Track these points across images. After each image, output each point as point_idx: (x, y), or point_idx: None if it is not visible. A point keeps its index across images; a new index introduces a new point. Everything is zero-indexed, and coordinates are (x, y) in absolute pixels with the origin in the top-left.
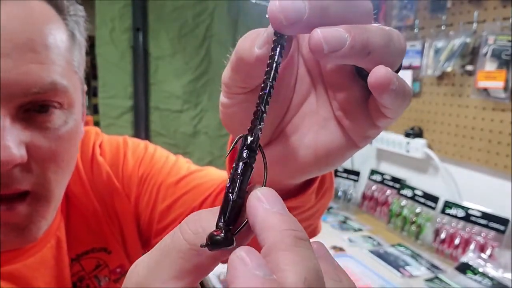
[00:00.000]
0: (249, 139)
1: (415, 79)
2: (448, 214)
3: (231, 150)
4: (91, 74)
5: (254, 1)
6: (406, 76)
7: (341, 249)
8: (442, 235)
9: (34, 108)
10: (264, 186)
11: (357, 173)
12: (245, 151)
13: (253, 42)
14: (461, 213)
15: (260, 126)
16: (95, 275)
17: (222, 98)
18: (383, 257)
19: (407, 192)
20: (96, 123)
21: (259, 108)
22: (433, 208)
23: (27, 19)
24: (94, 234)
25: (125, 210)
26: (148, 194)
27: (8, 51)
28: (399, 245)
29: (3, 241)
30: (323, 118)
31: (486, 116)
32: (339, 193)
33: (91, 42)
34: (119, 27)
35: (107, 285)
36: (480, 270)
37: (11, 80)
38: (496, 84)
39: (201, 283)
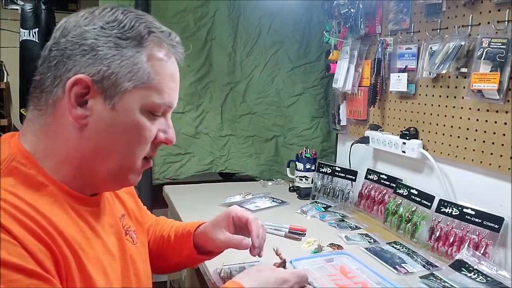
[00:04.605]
0: None
1: (410, 81)
2: (443, 213)
3: None
4: None
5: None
6: (402, 78)
7: (338, 247)
8: (437, 233)
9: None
10: None
11: (354, 173)
12: None
13: None
14: (455, 212)
15: None
16: (131, 230)
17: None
18: (380, 254)
19: (403, 191)
20: None
21: None
22: (429, 207)
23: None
24: (122, 205)
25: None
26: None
27: (176, 88)
28: (395, 243)
29: (138, 180)
30: None
31: (481, 117)
32: (337, 192)
33: None
34: None
35: (136, 240)
36: (475, 267)
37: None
38: (490, 86)
39: (202, 280)
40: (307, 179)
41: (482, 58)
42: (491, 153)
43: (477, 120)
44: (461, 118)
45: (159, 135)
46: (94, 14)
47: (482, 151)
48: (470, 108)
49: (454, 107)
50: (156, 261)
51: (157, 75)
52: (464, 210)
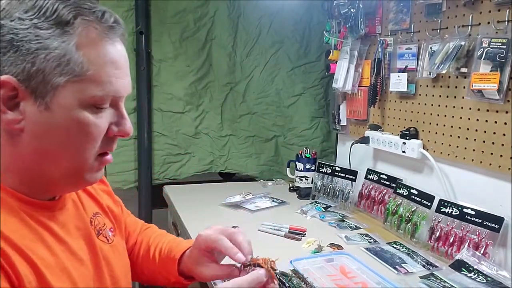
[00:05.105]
0: None
1: (410, 81)
2: (443, 213)
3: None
4: None
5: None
6: (402, 78)
7: (338, 247)
8: (437, 233)
9: None
10: None
11: (354, 173)
12: None
13: None
14: (455, 212)
15: None
16: (105, 229)
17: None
18: (380, 254)
19: (403, 191)
20: None
21: None
22: (429, 207)
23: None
24: (95, 203)
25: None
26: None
27: (123, 74)
28: (395, 243)
29: (99, 177)
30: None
31: (481, 117)
32: (337, 192)
33: None
34: None
35: (112, 238)
36: (475, 267)
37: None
38: (490, 86)
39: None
40: (307, 179)
41: (482, 58)
42: (491, 153)
43: (477, 120)
44: (461, 118)
45: (111, 128)
46: (12, 4)
47: (482, 151)
48: (470, 108)
49: (454, 107)
50: (142, 275)
51: (92, 64)
52: (464, 210)
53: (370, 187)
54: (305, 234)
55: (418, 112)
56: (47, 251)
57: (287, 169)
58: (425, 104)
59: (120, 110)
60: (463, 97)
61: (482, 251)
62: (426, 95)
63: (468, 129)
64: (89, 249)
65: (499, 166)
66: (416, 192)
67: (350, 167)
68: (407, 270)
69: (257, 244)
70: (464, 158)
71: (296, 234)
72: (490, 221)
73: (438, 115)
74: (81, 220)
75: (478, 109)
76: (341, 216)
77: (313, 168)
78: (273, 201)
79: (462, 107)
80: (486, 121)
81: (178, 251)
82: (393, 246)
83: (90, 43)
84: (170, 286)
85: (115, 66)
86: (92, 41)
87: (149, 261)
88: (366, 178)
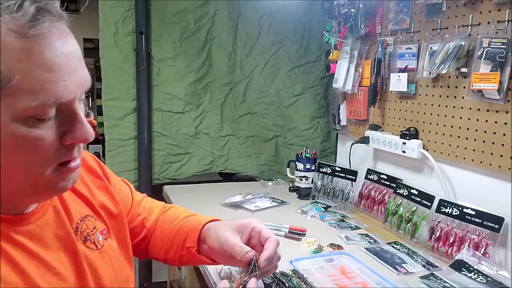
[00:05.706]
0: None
1: (410, 81)
2: (443, 213)
3: None
4: (95, 77)
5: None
6: (402, 78)
7: (338, 247)
8: (437, 233)
9: None
10: None
11: (354, 173)
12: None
13: None
14: (456, 212)
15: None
16: (95, 233)
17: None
18: (380, 254)
19: (403, 191)
20: (100, 124)
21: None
22: (429, 207)
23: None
24: (86, 205)
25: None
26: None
27: (62, 76)
28: (395, 243)
29: (69, 185)
30: None
31: (481, 117)
32: (337, 192)
33: (95, 45)
34: (123, 31)
35: (102, 242)
36: (475, 267)
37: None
38: (491, 86)
39: (202, 280)
40: (307, 179)
41: (482, 58)
42: (491, 153)
43: (477, 120)
44: (461, 118)
45: (66, 136)
46: None
47: (482, 151)
48: (470, 108)
49: (454, 107)
50: (159, 250)
51: (15, 72)
52: (464, 210)
53: (370, 187)
54: (305, 234)
55: (418, 112)
56: (18, 274)
57: (287, 169)
58: (425, 104)
59: (73, 114)
60: (463, 97)
61: (482, 251)
62: (426, 95)
63: (468, 129)
64: (71, 260)
65: (499, 166)
66: (416, 192)
67: (350, 167)
68: (407, 270)
69: None
70: (464, 158)
71: (296, 234)
72: (490, 221)
73: (438, 115)
74: (62, 228)
75: (478, 109)
76: (341, 216)
77: (313, 168)
78: (273, 201)
79: (462, 107)
80: (486, 121)
81: (203, 219)
82: (393, 246)
83: (6, 47)
84: (178, 258)
85: (47, 69)
86: (9, 44)
87: (169, 232)
88: (366, 178)
